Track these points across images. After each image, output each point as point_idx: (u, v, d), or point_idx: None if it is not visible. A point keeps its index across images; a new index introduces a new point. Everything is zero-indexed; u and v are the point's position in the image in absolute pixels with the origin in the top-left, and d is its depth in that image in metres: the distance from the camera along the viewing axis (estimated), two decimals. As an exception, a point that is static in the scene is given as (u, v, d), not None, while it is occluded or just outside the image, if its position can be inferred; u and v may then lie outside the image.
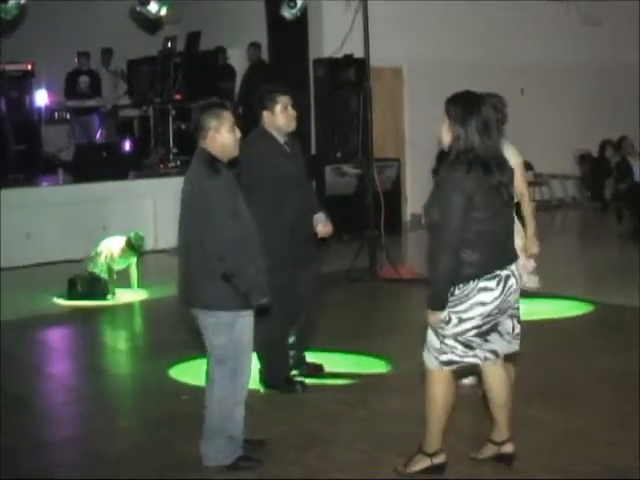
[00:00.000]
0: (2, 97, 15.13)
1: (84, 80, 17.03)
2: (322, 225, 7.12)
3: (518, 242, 6.38)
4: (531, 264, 7.30)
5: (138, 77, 17.78)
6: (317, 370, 7.48)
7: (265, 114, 6.93)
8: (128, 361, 8.35)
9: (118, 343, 8.95)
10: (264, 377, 7.10)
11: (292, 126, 7.00)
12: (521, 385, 7.01)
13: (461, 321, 5.15)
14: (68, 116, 16.71)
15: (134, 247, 10.60)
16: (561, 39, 18.24)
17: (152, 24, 16.87)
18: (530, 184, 17.87)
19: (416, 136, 16.52)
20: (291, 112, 6.96)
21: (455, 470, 5.44)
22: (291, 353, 7.29)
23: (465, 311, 5.14)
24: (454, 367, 5.29)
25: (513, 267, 5.24)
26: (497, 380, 5.40)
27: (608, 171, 17.83)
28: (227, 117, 5.58)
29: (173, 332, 9.20)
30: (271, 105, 6.90)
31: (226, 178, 5.50)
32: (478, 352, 5.25)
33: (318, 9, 15.66)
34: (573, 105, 18.63)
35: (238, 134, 5.63)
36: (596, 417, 6.38)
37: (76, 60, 17.29)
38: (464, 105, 5.16)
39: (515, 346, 5.42)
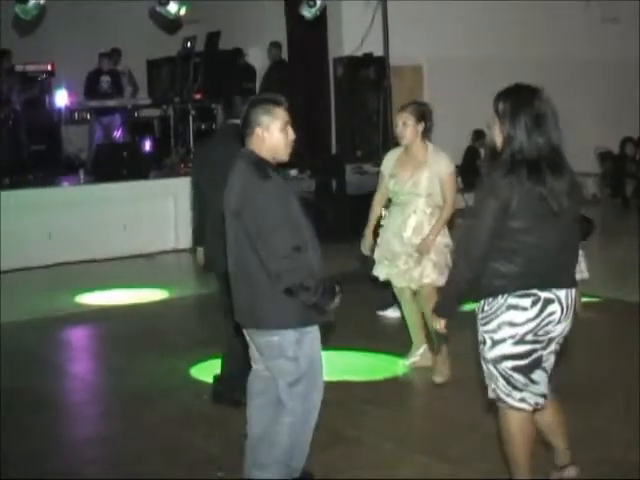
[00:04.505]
0: (18, 97, 15.19)
1: (106, 80, 17.05)
2: None
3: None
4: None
5: (158, 77, 17.83)
6: None
7: None
8: (150, 360, 8.35)
9: (140, 342, 8.96)
10: (226, 390, 6.69)
11: None
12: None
13: (494, 343, 4.56)
14: (88, 116, 16.74)
15: None
16: (580, 36, 18.20)
17: (171, 24, 16.90)
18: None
19: (436, 134, 16.48)
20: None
21: None
22: None
23: (494, 331, 4.54)
24: (503, 405, 4.65)
25: (561, 293, 4.55)
26: (546, 410, 4.84)
27: (629, 168, 17.78)
28: (280, 115, 4.85)
29: (194, 331, 9.24)
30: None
31: (277, 183, 4.79)
32: (526, 396, 4.59)
33: (337, 8, 15.68)
34: (593, 102, 18.55)
35: (292, 135, 4.91)
36: (617, 417, 6.33)
37: (98, 60, 17.30)
38: (512, 100, 4.56)
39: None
